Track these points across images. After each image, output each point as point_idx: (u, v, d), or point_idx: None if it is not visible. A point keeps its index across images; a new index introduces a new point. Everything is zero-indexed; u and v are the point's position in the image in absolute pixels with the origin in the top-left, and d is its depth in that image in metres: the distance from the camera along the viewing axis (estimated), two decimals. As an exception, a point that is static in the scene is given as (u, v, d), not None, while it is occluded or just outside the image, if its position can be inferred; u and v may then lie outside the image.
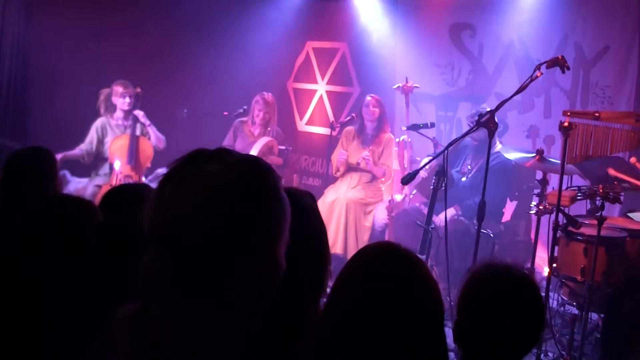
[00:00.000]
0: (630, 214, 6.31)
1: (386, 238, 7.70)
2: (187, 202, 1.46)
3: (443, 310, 1.91)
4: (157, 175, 7.91)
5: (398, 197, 7.94)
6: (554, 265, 5.56)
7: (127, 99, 7.80)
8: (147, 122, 7.88)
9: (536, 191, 6.13)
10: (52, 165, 3.95)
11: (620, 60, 7.70)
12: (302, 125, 10.80)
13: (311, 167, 10.62)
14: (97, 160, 7.93)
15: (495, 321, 2.33)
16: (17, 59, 8.75)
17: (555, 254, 5.57)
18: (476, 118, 6.01)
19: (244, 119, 8.51)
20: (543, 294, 5.23)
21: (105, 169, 7.87)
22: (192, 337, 1.47)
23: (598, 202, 5.29)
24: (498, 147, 7.13)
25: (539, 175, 6.00)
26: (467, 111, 7.77)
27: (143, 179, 7.77)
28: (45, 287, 2.30)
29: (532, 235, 6.33)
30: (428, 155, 7.19)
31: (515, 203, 7.62)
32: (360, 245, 7.49)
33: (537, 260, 6.16)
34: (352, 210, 7.83)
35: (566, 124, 5.22)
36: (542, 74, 5.28)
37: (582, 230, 5.47)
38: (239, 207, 1.48)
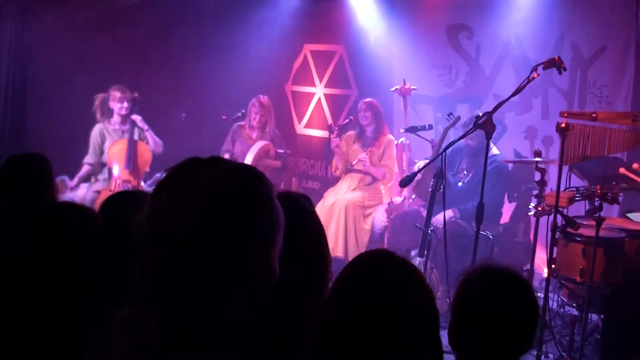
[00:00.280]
0: (628, 214, 6.31)
1: (385, 240, 7.70)
2: (181, 208, 1.47)
3: (438, 315, 1.90)
4: (157, 180, 7.90)
5: (397, 200, 7.94)
6: (553, 266, 5.56)
7: (125, 104, 7.81)
8: (145, 127, 7.89)
9: (534, 192, 6.12)
10: (47, 172, 3.93)
11: (617, 60, 7.71)
12: (301, 128, 10.80)
13: (310, 170, 10.62)
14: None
15: (488, 323, 2.32)
16: (14, 64, 8.76)
17: (554, 255, 5.57)
18: (470, 126, 6.02)
19: (242, 123, 8.51)
20: (542, 295, 5.26)
21: (104, 174, 7.88)
22: (188, 339, 1.48)
23: (596, 203, 5.29)
24: (494, 151, 7.12)
25: (537, 176, 5.99)
26: (465, 113, 7.76)
27: (142, 183, 7.78)
28: (45, 291, 2.30)
29: (531, 237, 6.33)
30: (425, 159, 7.20)
31: (514, 204, 7.62)
32: (361, 248, 7.53)
33: (536, 261, 6.16)
34: (351, 212, 7.83)
35: (563, 125, 5.22)
36: (538, 75, 5.28)
37: (581, 231, 5.47)
38: (232, 214, 1.49)
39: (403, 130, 7.94)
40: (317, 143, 10.39)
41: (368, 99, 8.17)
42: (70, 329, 2.14)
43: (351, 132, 8.32)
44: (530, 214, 6.15)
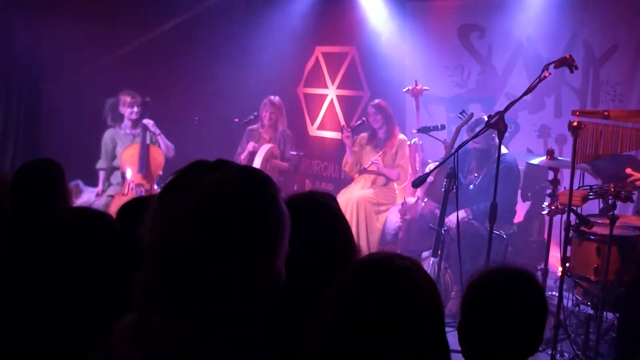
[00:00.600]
0: (643, 212, 6.29)
1: (399, 241, 7.69)
2: (186, 211, 1.48)
3: (443, 317, 1.89)
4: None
5: (411, 200, 7.93)
6: (567, 265, 5.55)
7: (135, 109, 7.85)
8: (157, 131, 7.92)
9: (548, 191, 6.11)
10: (60, 178, 3.94)
11: (630, 58, 7.68)
12: (314, 130, 10.81)
13: (323, 171, 10.62)
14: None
15: (496, 320, 2.34)
16: (28, 71, 8.80)
17: (568, 254, 5.56)
18: (476, 130, 6.02)
19: (254, 126, 8.56)
20: (556, 294, 5.25)
21: (117, 178, 7.92)
22: (192, 343, 1.49)
23: (610, 201, 5.27)
24: (503, 150, 7.11)
25: (550, 175, 5.97)
26: (477, 113, 7.74)
27: (155, 187, 7.81)
28: (60, 297, 2.31)
29: (546, 236, 6.31)
30: (436, 161, 7.20)
31: (528, 204, 7.60)
32: (372, 247, 7.53)
33: (550, 260, 6.14)
34: (363, 209, 7.81)
35: (575, 123, 5.20)
36: (550, 74, 5.27)
37: (595, 229, 5.45)
38: (237, 217, 1.49)
39: (415, 131, 7.94)
40: (330, 145, 10.40)
41: (376, 101, 8.16)
42: (83, 333, 2.15)
43: (364, 134, 8.33)
44: (544, 212, 6.14)
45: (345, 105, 10.41)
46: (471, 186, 7.28)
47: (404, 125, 9.14)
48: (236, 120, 8.73)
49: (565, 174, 6.43)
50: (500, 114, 5.32)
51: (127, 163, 7.77)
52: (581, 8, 8.04)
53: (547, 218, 6.11)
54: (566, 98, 8.17)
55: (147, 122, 7.89)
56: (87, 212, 2.57)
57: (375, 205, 7.93)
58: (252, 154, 8.25)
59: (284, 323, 2.17)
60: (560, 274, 5.45)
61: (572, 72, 5.30)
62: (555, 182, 5.88)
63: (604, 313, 5.45)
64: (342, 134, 8.33)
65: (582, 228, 5.45)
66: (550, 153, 6.13)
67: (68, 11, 8.69)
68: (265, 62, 10.17)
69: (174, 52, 9.75)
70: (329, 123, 10.58)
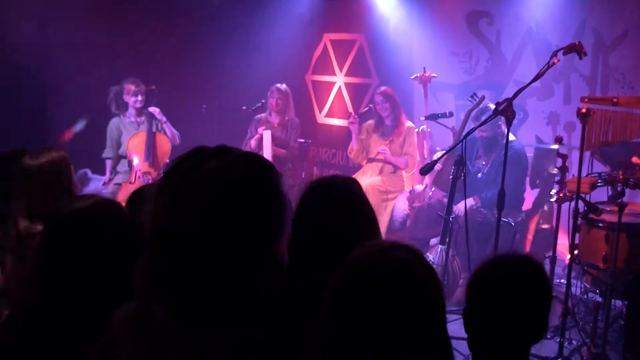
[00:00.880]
0: (652, 199, 6.26)
1: (407, 229, 7.68)
2: (186, 200, 1.47)
3: (443, 309, 1.86)
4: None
5: (419, 188, 7.91)
6: (576, 252, 5.53)
7: (139, 97, 7.87)
8: (163, 119, 7.94)
9: (556, 179, 6.08)
10: (65, 165, 3.92)
11: (639, 45, 7.62)
12: (322, 118, 10.80)
13: (331, 159, 10.62)
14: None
15: (500, 309, 2.35)
16: (34, 59, 8.80)
17: (577, 242, 5.54)
18: (482, 119, 5.99)
19: (262, 115, 8.58)
20: (565, 282, 5.24)
21: (124, 166, 7.94)
22: (193, 335, 1.48)
23: (619, 188, 5.24)
24: (510, 137, 7.08)
25: (558, 162, 5.94)
26: (485, 102, 7.73)
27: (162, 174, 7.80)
28: (71, 285, 2.32)
29: (554, 223, 6.29)
30: (443, 149, 7.18)
31: (536, 191, 7.57)
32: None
33: (559, 247, 6.12)
34: (370, 197, 7.79)
35: (584, 110, 5.17)
36: (559, 60, 5.24)
37: (603, 217, 5.43)
38: (238, 204, 1.48)
39: (423, 118, 7.92)
40: (338, 132, 10.39)
41: (382, 88, 8.14)
42: (91, 322, 2.15)
43: (370, 122, 8.30)
44: (552, 200, 6.11)
45: (353, 92, 10.39)
46: (479, 174, 7.25)
47: (412, 113, 9.11)
48: (244, 108, 8.75)
49: (574, 161, 6.40)
50: (509, 101, 5.28)
51: (133, 151, 7.78)
52: (590, -6, 8.00)
53: (555, 205, 6.09)
54: (575, 85, 8.13)
55: (153, 109, 7.90)
56: (97, 199, 2.57)
57: (383, 194, 7.91)
58: (261, 138, 8.29)
59: (302, 309, 2.16)
60: (568, 261, 5.43)
61: (581, 58, 5.27)
62: (564, 169, 5.85)
63: (613, 301, 5.44)
64: (348, 120, 8.34)
65: (591, 215, 5.43)
66: (559, 140, 6.10)
67: (73, 1, 8.68)
68: (273, 50, 10.15)
69: (181, 40, 9.74)
70: (337, 111, 10.56)
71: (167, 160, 7.92)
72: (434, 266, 6.43)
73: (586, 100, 5.29)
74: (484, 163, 7.27)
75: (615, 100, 5.29)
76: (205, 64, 9.87)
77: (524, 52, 8.57)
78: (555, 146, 6.16)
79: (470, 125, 7.28)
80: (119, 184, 7.73)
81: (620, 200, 5.14)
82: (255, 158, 1.57)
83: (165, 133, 7.94)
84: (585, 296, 6.10)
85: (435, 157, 6.48)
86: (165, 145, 7.90)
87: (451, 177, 6.39)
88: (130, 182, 7.62)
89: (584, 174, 5.33)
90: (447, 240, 6.49)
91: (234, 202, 1.47)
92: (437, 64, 8.75)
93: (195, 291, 1.47)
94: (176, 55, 9.65)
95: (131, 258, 2.21)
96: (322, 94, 10.82)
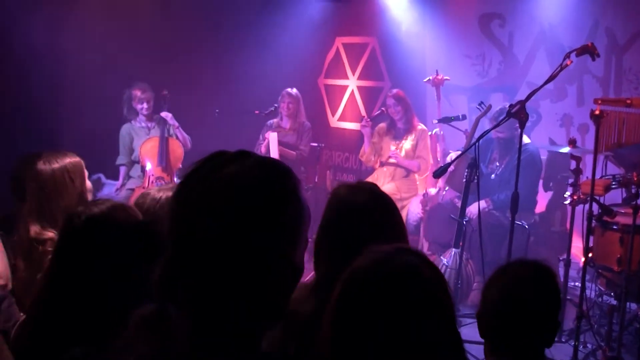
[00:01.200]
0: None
1: (421, 232, 7.66)
2: (204, 204, 1.47)
3: (452, 312, 1.85)
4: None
5: (432, 191, 7.89)
6: (590, 255, 5.50)
7: (144, 104, 7.91)
8: (176, 124, 7.97)
9: (570, 181, 6.06)
10: (81, 171, 3.93)
11: (653, 45, 7.61)
12: (335, 121, 10.80)
13: (345, 163, 10.62)
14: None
15: (512, 313, 2.41)
16: (47, 63, 8.81)
17: (591, 244, 5.52)
18: (500, 118, 5.97)
19: (274, 120, 8.60)
20: (578, 284, 5.22)
21: (136, 171, 7.96)
22: (209, 338, 1.48)
23: (633, 190, 5.22)
24: (525, 140, 7.07)
25: (572, 164, 5.93)
26: (499, 102, 7.72)
27: (175, 179, 7.83)
28: (86, 289, 2.34)
29: (568, 226, 6.27)
30: (458, 150, 7.16)
31: (550, 193, 7.55)
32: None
33: (573, 250, 6.10)
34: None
35: (597, 112, 5.15)
36: (572, 62, 5.23)
37: (618, 219, 5.41)
38: (255, 209, 1.48)
39: (436, 121, 7.92)
40: (351, 136, 10.38)
41: (394, 91, 8.10)
42: (107, 324, 2.16)
43: (382, 124, 8.29)
44: (566, 202, 6.09)
45: (366, 96, 10.39)
46: (493, 175, 7.24)
47: (425, 116, 9.10)
48: (257, 112, 8.76)
49: (588, 163, 6.38)
50: (522, 103, 5.27)
51: (147, 156, 7.81)
52: (603, -5, 7.97)
53: (569, 208, 6.07)
54: (589, 86, 8.10)
55: (166, 115, 7.93)
56: (112, 204, 2.59)
57: (398, 201, 7.87)
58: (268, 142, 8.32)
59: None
60: (582, 264, 5.41)
61: (593, 60, 5.25)
62: (578, 172, 5.83)
63: (628, 303, 5.41)
64: (360, 124, 8.34)
65: (605, 218, 5.41)
66: (572, 142, 6.08)
67: (88, 3, 8.71)
68: (285, 54, 10.16)
69: (194, 43, 9.75)
70: (350, 114, 10.56)
71: (180, 166, 7.95)
72: (448, 270, 6.48)
73: (599, 102, 5.27)
74: (497, 164, 7.26)
75: (628, 101, 5.27)
76: (218, 67, 9.88)
77: (536, 54, 8.54)
78: (568, 148, 6.14)
79: (481, 129, 7.28)
80: (132, 189, 7.76)
81: (634, 202, 5.12)
82: (274, 163, 1.58)
83: (177, 138, 7.97)
84: (600, 299, 6.08)
85: (448, 159, 6.48)
86: (178, 150, 7.93)
87: (464, 180, 6.38)
88: (144, 187, 7.63)
89: (598, 176, 5.31)
90: (460, 243, 6.48)
91: (251, 206, 1.48)
92: (449, 66, 8.74)
93: (211, 295, 1.48)
94: (189, 59, 9.66)
95: (145, 261, 2.23)
96: (334, 97, 10.82)
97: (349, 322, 1.72)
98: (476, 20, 9.07)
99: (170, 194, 3.16)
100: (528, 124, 5.48)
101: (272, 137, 8.27)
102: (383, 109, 8.30)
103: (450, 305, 1.80)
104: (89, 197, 3.82)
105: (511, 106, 5.39)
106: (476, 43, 9.10)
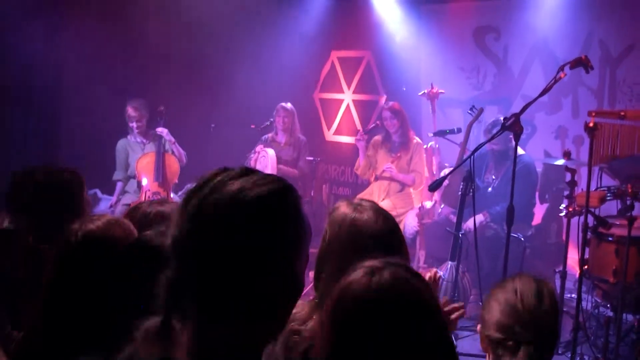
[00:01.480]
0: (662, 213, 6.23)
1: (417, 246, 7.67)
2: (208, 219, 1.49)
3: (444, 327, 1.90)
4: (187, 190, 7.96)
5: (428, 204, 7.89)
6: (586, 267, 5.51)
7: (135, 123, 7.93)
8: (172, 140, 7.97)
9: (565, 193, 6.07)
10: (78, 185, 3.93)
11: (646, 58, 7.64)
12: (330, 135, 10.82)
13: (340, 176, 10.63)
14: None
15: (515, 326, 2.46)
16: (46, 77, 8.84)
17: (587, 256, 5.52)
18: (493, 132, 5.99)
19: (269, 135, 8.59)
20: (575, 296, 5.22)
21: (132, 186, 7.97)
22: (212, 351, 1.50)
23: (628, 202, 5.24)
24: (519, 151, 7.09)
25: (567, 177, 5.94)
26: (494, 115, 7.75)
27: (171, 194, 7.84)
28: (85, 304, 2.36)
29: (564, 238, 6.28)
30: (451, 166, 7.18)
31: (545, 206, 7.57)
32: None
33: (569, 262, 6.10)
34: (383, 222, 7.73)
35: (591, 124, 5.17)
36: (565, 74, 5.25)
37: (613, 230, 5.41)
38: (259, 225, 1.50)
39: (432, 134, 7.93)
40: (347, 149, 10.40)
41: (390, 103, 8.08)
42: (104, 342, 2.17)
43: (378, 137, 8.28)
44: (561, 214, 6.10)
45: (361, 109, 10.42)
46: (489, 188, 7.26)
47: (420, 129, 9.13)
48: (252, 126, 8.76)
49: (583, 175, 6.40)
50: (517, 116, 5.29)
51: (143, 172, 7.82)
52: (597, 9, 8.00)
53: (564, 220, 6.08)
54: (583, 99, 8.13)
55: (162, 130, 7.94)
56: (108, 219, 2.61)
57: (395, 217, 7.83)
58: (259, 155, 8.29)
59: None
60: (578, 276, 5.42)
61: (587, 72, 5.27)
62: (573, 184, 5.84)
63: (624, 315, 5.42)
64: (355, 137, 8.35)
65: (600, 229, 5.42)
66: (567, 154, 6.10)
67: (86, 19, 8.72)
68: (281, 68, 10.18)
69: (190, 58, 9.78)
70: (346, 128, 10.59)
71: (176, 181, 7.96)
72: (444, 282, 6.48)
73: (594, 114, 5.29)
74: (494, 177, 7.28)
75: (622, 113, 5.29)
76: (214, 82, 9.90)
77: (531, 67, 8.58)
78: (563, 160, 6.16)
79: (474, 137, 7.31)
80: (129, 205, 7.75)
81: (629, 214, 5.13)
82: (276, 180, 1.59)
83: (173, 153, 7.98)
84: (596, 310, 6.07)
85: (442, 174, 6.48)
86: (174, 166, 7.93)
87: (460, 193, 6.39)
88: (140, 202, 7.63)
89: (593, 187, 5.33)
90: (456, 256, 6.49)
91: (254, 221, 1.50)
92: (444, 79, 8.77)
93: (213, 308, 1.50)
94: (185, 74, 9.68)
95: (144, 277, 2.24)
96: (330, 111, 10.84)
97: (346, 336, 1.75)
98: (471, 33, 9.11)
99: (160, 208, 3.19)
100: (523, 136, 5.51)
101: (270, 154, 8.26)
102: (378, 122, 8.31)
103: (439, 312, 1.85)
104: (88, 211, 3.83)
105: (506, 119, 5.41)
106: (471, 56, 9.14)
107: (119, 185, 8.07)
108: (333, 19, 10.34)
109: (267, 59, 10.17)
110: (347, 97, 10.58)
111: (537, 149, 8.25)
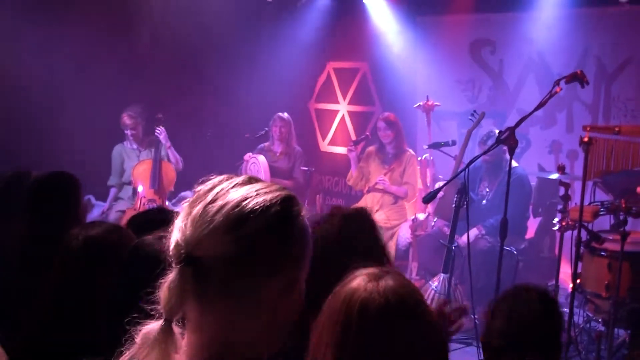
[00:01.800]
0: (655, 228, 6.26)
1: (410, 257, 7.67)
2: (211, 226, 1.49)
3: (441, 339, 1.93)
4: (181, 199, 7.97)
5: (421, 216, 7.90)
6: (578, 281, 5.52)
7: (129, 131, 7.94)
8: (168, 144, 7.97)
9: (559, 207, 6.08)
10: (76, 189, 3.93)
11: (641, 73, 7.67)
12: (325, 146, 10.83)
13: (335, 187, 10.63)
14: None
15: (519, 336, 2.50)
16: (39, 83, 8.81)
17: (580, 270, 5.54)
18: (488, 143, 6.00)
19: (265, 144, 8.59)
20: (567, 310, 5.23)
21: (127, 192, 7.97)
22: (213, 356, 1.50)
23: (621, 217, 5.25)
24: (512, 163, 7.10)
25: (561, 191, 5.96)
26: (488, 128, 7.76)
27: (167, 202, 7.84)
28: (78, 306, 2.36)
29: (557, 252, 6.29)
30: (445, 178, 7.19)
31: (539, 219, 7.58)
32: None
33: (562, 276, 6.12)
34: (378, 235, 7.71)
35: (586, 139, 5.19)
36: (561, 89, 5.26)
37: (606, 245, 5.43)
38: (262, 234, 1.51)
39: (427, 147, 7.93)
40: (341, 160, 10.39)
41: (386, 114, 8.09)
42: (102, 347, 2.17)
43: (371, 148, 8.28)
44: (554, 228, 6.12)
45: (356, 120, 10.43)
46: (484, 201, 7.27)
47: (415, 141, 9.15)
48: (247, 135, 8.76)
49: (576, 189, 6.42)
50: (511, 130, 5.30)
51: (139, 178, 7.82)
52: (592, 24, 8.04)
53: (557, 234, 6.09)
54: (578, 113, 8.16)
55: (160, 131, 7.93)
56: (107, 226, 2.62)
57: (388, 230, 7.82)
58: (248, 164, 8.29)
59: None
60: (571, 290, 5.43)
61: (583, 87, 5.29)
62: (566, 198, 5.86)
63: (616, 330, 5.42)
64: (347, 148, 8.36)
65: (593, 244, 5.44)
66: (561, 169, 6.11)
67: (81, 25, 8.72)
68: (277, 78, 10.20)
69: (186, 67, 9.78)
70: (340, 138, 10.59)
71: (172, 189, 7.97)
72: (437, 295, 6.48)
73: (588, 128, 5.31)
74: (487, 190, 7.29)
75: (617, 129, 5.31)
76: (209, 91, 9.90)
77: (526, 81, 8.61)
78: (557, 175, 6.18)
79: (472, 147, 7.32)
80: (123, 211, 7.76)
81: (622, 229, 5.14)
82: (279, 188, 1.60)
83: (169, 158, 7.98)
84: (588, 325, 6.08)
85: (437, 186, 6.49)
86: (170, 174, 7.94)
87: (454, 205, 6.40)
88: (135, 209, 7.65)
89: (586, 202, 5.34)
90: (449, 268, 6.50)
91: (257, 229, 1.50)
92: (440, 92, 8.79)
93: (217, 315, 1.51)
94: (181, 83, 9.69)
95: (144, 281, 2.24)
96: (325, 121, 10.86)
97: (357, 339, 1.77)
98: (467, 46, 9.14)
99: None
100: (517, 150, 5.52)
101: (261, 160, 8.26)
102: (367, 133, 8.33)
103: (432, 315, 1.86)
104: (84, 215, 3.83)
105: (501, 132, 5.43)
106: (467, 69, 9.17)
107: (113, 191, 8.07)
108: (330, 30, 10.35)
109: (263, 68, 10.18)
110: (342, 108, 10.60)
111: (531, 163, 8.27)
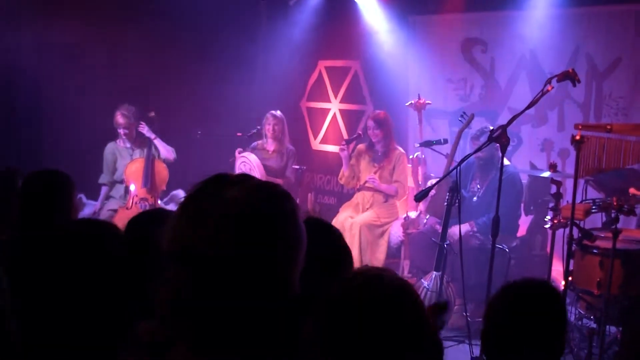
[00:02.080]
0: (646, 226, 6.27)
1: (402, 255, 7.68)
2: (205, 225, 1.49)
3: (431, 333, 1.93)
4: (173, 197, 7.97)
5: (412, 214, 7.91)
6: (570, 279, 5.53)
7: (122, 130, 7.90)
8: (152, 136, 7.93)
9: (551, 205, 6.10)
10: (70, 188, 3.92)
11: (633, 72, 7.67)
12: (317, 144, 10.82)
13: (326, 185, 10.63)
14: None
15: (520, 332, 2.47)
16: (29, 81, 8.79)
17: (571, 268, 5.55)
18: (481, 139, 6.00)
19: (258, 142, 8.56)
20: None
21: (119, 191, 7.95)
22: (209, 355, 1.50)
23: (613, 215, 5.26)
24: (505, 162, 7.11)
25: (553, 189, 5.97)
26: (482, 124, 7.76)
27: (159, 201, 7.82)
28: (70, 307, 2.35)
29: (549, 250, 6.31)
30: (437, 176, 7.20)
31: (531, 217, 7.59)
32: (378, 264, 7.46)
33: (553, 274, 6.13)
34: (366, 234, 7.69)
35: (578, 137, 5.20)
36: (552, 87, 5.28)
37: (597, 243, 5.44)
38: (256, 232, 1.51)
39: (418, 145, 7.94)
40: (333, 159, 10.39)
41: (375, 113, 8.12)
42: (92, 347, 2.17)
43: (361, 146, 8.28)
44: (546, 226, 6.13)
45: (348, 119, 10.43)
46: (475, 198, 7.28)
47: (406, 139, 9.15)
48: (239, 134, 8.75)
49: (568, 187, 6.43)
50: (503, 128, 5.31)
51: (131, 177, 7.80)
52: (584, 23, 8.04)
53: (549, 232, 6.10)
54: (569, 112, 8.16)
55: (142, 127, 7.91)
56: (95, 222, 2.60)
57: (379, 227, 7.82)
58: (239, 162, 8.27)
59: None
60: (563, 288, 5.44)
61: (574, 85, 5.30)
62: (558, 196, 5.87)
63: (607, 327, 5.44)
64: (339, 147, 8.35)
65: (585, 242, 5.45)
66: (553, 167, 6.12)
67: (73, 21, 8.69)
68: (268, 76, 10.20)
69: (177, 65, 9.76)
70: (332, 137, 10.59)
71: (164, 188, 7.95)
72: (429, 292, 6.49)
73: (580, 127, 5.32)
74: (479, 186, 7.30)
75: (609, 127, 5.33)
76: (200, 89, 9.88)
77: (518, 79, 8.61)
78: (549, 173, 6.19)
79: (463, 146, 7.32)
80: (115, 210, 7.75)
81: (614, 227, 5.16)
82: (273, 186, 1.60)
83: (158, 152, 7.94)
84: (579, 322, 6.09)
85: (429, 184, 6.50)
86: (163, 172, 7.92)
87: (446, 203, 6.41)
88: (127, 208, 7.64)
89: (578, 200, 5.36)
90: (441, 266, 6.50)
91: (251, 227, 1.51)
92: (432, 90, 8.81)
93: (213, 313, 1.50)
94: (171, 81, 9.67)
95: (131, 279, 2.24)
96: (317, 120, 10.85)
97: (365, 332, 1.77)
98: (459, 45, 9.14)
99: None
100: (509, 148, 5.54)
101: (252, 159, 8.24)
102: (359, 132, 8.33)
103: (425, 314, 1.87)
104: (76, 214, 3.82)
105: (493, 130, 5.43)
106: (458, 68, 9.17)
107: (104, 189, 8.04)
108: (321, 28, 10.34)
109: (254, 67, 10.19)
110: (333, 107, 10.59)
111: (523, 161, 8.28)
